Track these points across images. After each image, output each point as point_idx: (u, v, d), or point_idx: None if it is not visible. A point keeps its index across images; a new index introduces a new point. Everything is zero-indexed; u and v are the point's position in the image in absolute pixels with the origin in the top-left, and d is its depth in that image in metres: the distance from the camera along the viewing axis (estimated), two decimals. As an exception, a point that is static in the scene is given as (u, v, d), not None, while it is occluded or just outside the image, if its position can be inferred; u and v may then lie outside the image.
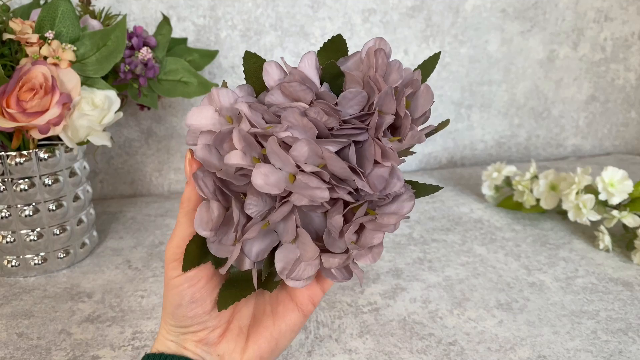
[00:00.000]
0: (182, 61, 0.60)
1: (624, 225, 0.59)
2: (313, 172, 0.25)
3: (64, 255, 0.54)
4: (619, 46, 0.91)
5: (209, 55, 0.66)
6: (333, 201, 0.27)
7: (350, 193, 0.26)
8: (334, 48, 0.29)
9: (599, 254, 0.57)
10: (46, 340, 0.42)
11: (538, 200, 0.65)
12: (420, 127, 0.28)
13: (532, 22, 0.86)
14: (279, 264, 0.28)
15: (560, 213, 0.68)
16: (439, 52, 0.31)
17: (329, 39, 0.29)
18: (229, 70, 0.76)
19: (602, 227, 0.58)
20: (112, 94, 0.52)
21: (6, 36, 0.48)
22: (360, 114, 0.27)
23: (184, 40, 0.67)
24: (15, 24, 0.48)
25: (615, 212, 0.57)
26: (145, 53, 0.55)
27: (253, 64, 0.29)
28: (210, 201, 0.27)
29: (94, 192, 0.76)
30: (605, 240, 0.57)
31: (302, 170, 0.25)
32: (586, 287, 0.50)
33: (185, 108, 0.76)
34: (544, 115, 0.93)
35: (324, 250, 0.28)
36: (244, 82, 0.29)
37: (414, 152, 0.31)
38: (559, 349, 0.41)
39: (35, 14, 0.52)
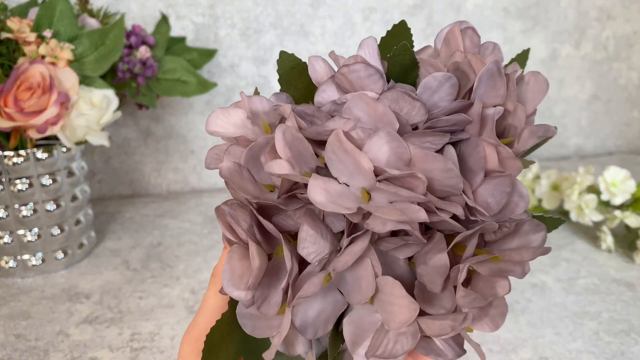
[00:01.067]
0: (181, 60, 0.59)
1: (626, 226, 0.58)
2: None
3: (62, 256, 0.54)
4: (622, 45, 0.91)
5: (208, 54, 0.66)
6: (428, 234, 0.19)
7: (452, 218, 0.18)
8: (397, 37, 0.21)
9: (601, 254, 0.57)
10: (44, 341, 0.42)
11: (540, 200, 0.65)
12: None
13: (534, 21, 0.85)
14: (349, 337, 0.19)
15: (562, 213, 0.67)
16: (528, 49, 0.25)
17: (392, 27, 0.22)
18: (228, 69, 0.75)
19: (604, 228, 0.57)
20: (111, 93, 0.52)
21: (4, 35, 0.48)
22: (455, 104, 0.19)
23: (183, 39, 0.66)
24: (13, 23, 0.48)
25: (617, 213, 0.57)
26: (143, 52, 0.55)
27: (289, 65, 0.22)
28: (249, 244, 0.18)
29: (92, 192, 0.76)
30: (608, 240, 0.56)
31: (384, 180, 0.17)
32: (588, 288, 0.50)
33: (184, 107, 0.76)
34: (546, 115, 0.92)
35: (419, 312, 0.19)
36: (254, 87, 0.23)
37: (533, 162, 0.22)
38: (561, 350, 0.41)
39: (33, 12, 0.52)
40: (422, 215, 0.16)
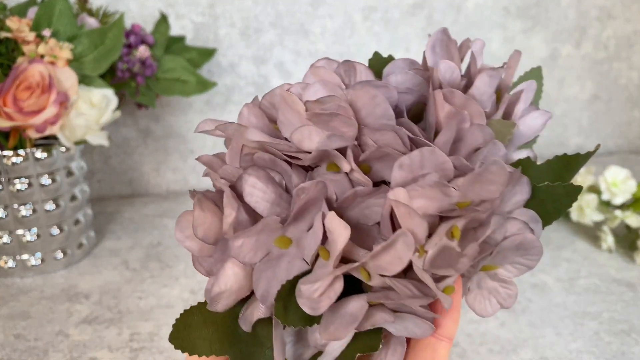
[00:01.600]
0: (181, 59, 0.59)
1: (627, 226, 0.58)
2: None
3: (61, 255, 0.54)
4: (622, 45, 0.91)
5: (208, 54, 0.66)
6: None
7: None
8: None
9: (602, 254, 0.57)
10: (43, 341, 0.42)
11: (540, 199, 0.65)
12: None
13: (535, 21, 0.85)
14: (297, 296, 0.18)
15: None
16: (540, 67, 0.25)
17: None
18: (227, 68, 0.75)
19: (605, 228, 0.57)
20: (110, 92, 0.52)
21: (3, 34, 0.48)
22: (410, 74, 0.20)
23: (182, 38, 0.66)
24: (12, 22, 0.48)
25: (618, 212, 0.57)
26: (143, 51, 0.55)
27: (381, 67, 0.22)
28: (225, 190, 0.19)
29: (91, 192, 0.76)
30: (608, 240, 0.56)
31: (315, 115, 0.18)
32: (589, 288, 0.50)
33: (184, 107, 0.75)
34: (546, 114, 0.92)
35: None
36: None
37: (514, 124, 0.20)
38: (561, 351, 0.40)
39: (32, 12, 0.52)
40: (353, 127, 0.18)
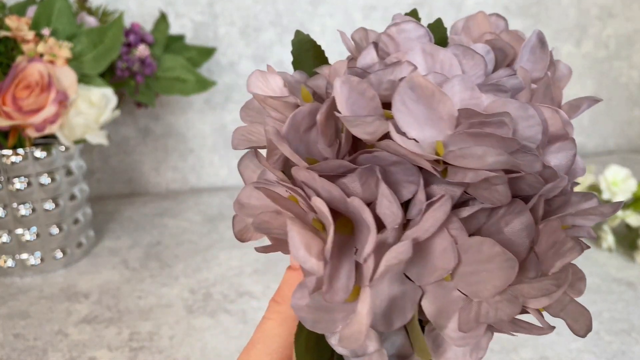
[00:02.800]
0: (180, 58, 0.59)
1: (627, 225, 0.58)
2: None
3: (61, 255, 0.53)
4: (623, 43, 0.91)
5: (207, 53, 0.66)
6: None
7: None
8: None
9: (602, 254, 0.57)
10: (43, 341, 0.42)
11: (540, 199, 0.64)
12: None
13: (535, 19, 0.85)
14: (432, 318, 0.16)
15: (562, 212, 0.67)
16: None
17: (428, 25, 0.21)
18: (227, 67, 0.75)
19: (605, 227, 0.57)
20: (109, 91, 0.52)
21: (2, 33, 0.48)
22: (501, 72, 0.18)
23: (182, 37, 0.66)
24: (11, 21, 0.48)
25: (618, 212, 0.57)
26: (142, 50, 0.55)
27: (305, 46, 0.21)
28: (315, 202, 0.16)
29: (90, 191, 0.75)
30: (609, 240, 0.56)
31: (466, 129, 0.16)
32: (589, 287, 0.50)
33: (183, 106, 0.75)
34: (546, 113, 0.92)
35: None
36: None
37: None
38: (561, 350, 0.40)
39: (32, 11, 0.52)
40: (513, 163, 0.14)
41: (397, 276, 0.16)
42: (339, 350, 0.17)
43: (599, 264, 0.54)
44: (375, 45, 0.18)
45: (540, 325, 0.17)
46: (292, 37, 0.26)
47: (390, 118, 0.16)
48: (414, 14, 0.20)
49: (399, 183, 0.16)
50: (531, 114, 0.16)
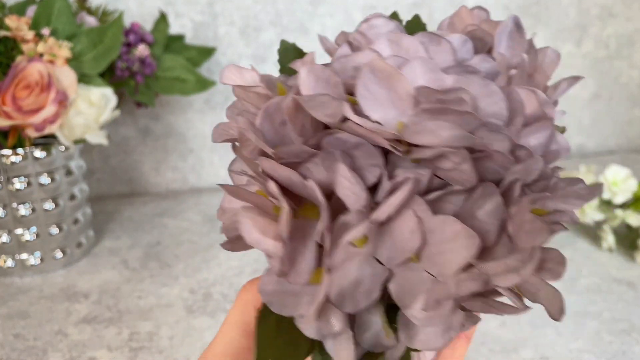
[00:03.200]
0: (180, 58, 0.59)
1: (628, 225, 0.58)
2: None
3: (61, 255, 0.53)
4: (623, 43, 0.90)
5: (207, 52, 0.66)
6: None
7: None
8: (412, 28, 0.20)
9: (603, 253, 0.57)
10: (42, 341, 0.42)
11: (540, 199, 0.64)
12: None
13: (535, 19, 0.85)
14: (397, 299, 0.17)
15: (563, 212, 0.67)
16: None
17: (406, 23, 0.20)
18: (228, 67, 0.75)
19: (605, 227, 0.57)
20: (109, 91, 0.52)
21: (2, 33, 0.48)
22: (478, 59, 0.18)
23: (182, 37, 0.66)
24: (11, 21, 0.48)
25: (618, 212, 0.56)
26: (142, 50, 0.55)
27: (292, 56, 0.21)
28: (269, 185, 0.16)
29: (90, 191, 0.75)
30: (609, 240, 0.56)
31: (424, 108, 0.16)
32: (590, 287, 0.50)
33: (183, 106, 0.75)
34: (547, 113, 0.92)
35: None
36: None
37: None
38: (562, 350, 0.40)
39: (31, 10, 0.52)
40: (470, 138, 0.14)
41: (367, 259, 0.17)
42: (306, 332, 0.17)
43: (599, 263, 0.54)
44: (349, 43, 0.18)
45: (513, 305, 0.17)
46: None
47: (355, 103, 0.16)
48: (415, 20, 0.21)
49: (364, 167, 0.17)
50: (493, 90, 0.16)
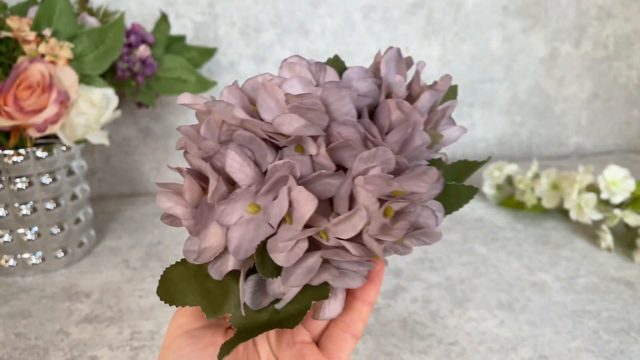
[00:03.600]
0: (181, 59, 0.59)
1: (626, 225, 0.58)
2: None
3: (62, 254, 0.54)
4: (622, 44, 0.91)
5: (208, 53, 0.66)
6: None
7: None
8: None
9: (601, 253, 0.57)
10: (44, 340, 0.42)
11: (540, 199, 0.65)
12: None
13: (534, 20, 0.85)
14: (269, 246, 0.22)
15: (562, 212, 0.68)
16: (456, 86, 0.29)
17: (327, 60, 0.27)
18: (227, 67, 0.75)
19: (604, 227, 0.57)
20: (110, 92, 0.52)
21: (3, 34, 0.48)
22: (368, 83, 0.24)
23: (182, 37, 0.66)
24: (12, 22, 0.48)
25: (617, 211, 0.57)
26: (143, 51, 0.55)
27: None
28: (182, 171, 0.23)
29: (91, 191, 0.76)
30: (607, 239, 0.56)
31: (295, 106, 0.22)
32: (588, 286, 0.50)
33: (184, 106, 0.75)
34: (546, 114, 0.92)
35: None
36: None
37: (442, 135, 0.25)
38: (560, 349, 0.41)
39: (33, 11, 0.52)
40: (325, 120, 0.21)
41: (259, 222, 0.23)
42: (213, 275, 0.23)
43: (597, 263, 0.55)
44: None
45: (356, 253, 0.22)
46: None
47: (257, 111, 0.23)
48: (335, 58, 0.27)
49: (260, 158, 0.23)
50: (343, 95, 0.22)
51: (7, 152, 0.49)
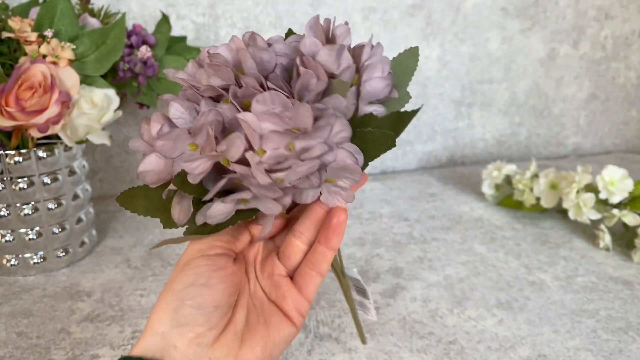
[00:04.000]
0: (182, 59, 0.60)
1: (624, 224, 0.59)
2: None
3: (63, 254, 0.54)
4: (620, 44, 0.91)
5: (209, 54, 0.66)
6: None
7: None
8: None
9: (599, 252, 0.57)
10: (46, 339, 0.42)
11: (538, 199, 0.65)
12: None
13: (533, 20, 0.85)
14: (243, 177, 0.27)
15: (560, 212, 0.68)
16: (417, 47, 0.32)
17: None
18: (228, 68, 0.75)
19: (602, 226, 0.58)
20: (111, 92, 0.52)
21: (5, 34, 0.48)
22: (287, 44, 0.30)
23: (183, 38, 0.66)
24: (14, 23, 0.48)
25: (615, 211, 0.57)
26: (144, 51, 0.55)
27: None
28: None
29: (93, 191, 0.76)
30: (606, 239, 0.57)
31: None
32: (586, 286, 0.50)
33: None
34: (545, 114, 0.93)
35: None
36: None
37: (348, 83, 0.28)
38: (559, 348, 0.41)
39: (34, 12, 0.52)
40: (229, 74, 0.27)
41: (215, 158, 0.27)
42: (164, 196, 0.29)
43: (596, 262, 0.55)
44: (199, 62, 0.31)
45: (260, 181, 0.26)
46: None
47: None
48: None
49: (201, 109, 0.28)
50: (244, 54, 0.27)
51: (9, 152, 0.49)
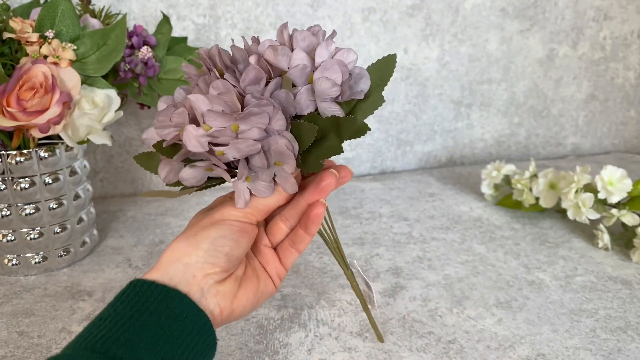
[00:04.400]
0: (182, 60, 0.60)
1: (623, 224, 0.59)
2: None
3: (65, 254, 0.54)
4: (619, 45, 0.91)
5: (209, 54, 0.66)
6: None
7: None
8: None
9: (598, 252, 0.57)
10: (47, 338, 0.43)
11: (537, 198, 0.65)
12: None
13: (532, 21, 0.86)
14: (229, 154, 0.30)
15: (559, 212, 0.68)
16: (395, 55, 0.34)
17: None
18: (228, 69, 0.76)
19: (601, 226, 0.58)
20: (112, 92, 0.52)
21: (6, 35, 0.48)
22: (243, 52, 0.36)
23: (184, 39, 0.67)
24: (15, 23, 0.48)
25: (614, 211, 0.57)
26: (145, 52, 0.55)
27: None
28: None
29: (94, 191, 0.76)
30: (605, 238, 0.57)
31: None
32: (585, 285, 0.51)
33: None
34: (544, 114, 0.93)
35: None
36: None
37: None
38: (558, 348, 0.41)
39: (35, 13, 0.52)
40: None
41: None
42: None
43: (595, 262, 0.55)
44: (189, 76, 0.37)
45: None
46: None
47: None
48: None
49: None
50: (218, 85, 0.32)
51: (10, 152, 0.49)
